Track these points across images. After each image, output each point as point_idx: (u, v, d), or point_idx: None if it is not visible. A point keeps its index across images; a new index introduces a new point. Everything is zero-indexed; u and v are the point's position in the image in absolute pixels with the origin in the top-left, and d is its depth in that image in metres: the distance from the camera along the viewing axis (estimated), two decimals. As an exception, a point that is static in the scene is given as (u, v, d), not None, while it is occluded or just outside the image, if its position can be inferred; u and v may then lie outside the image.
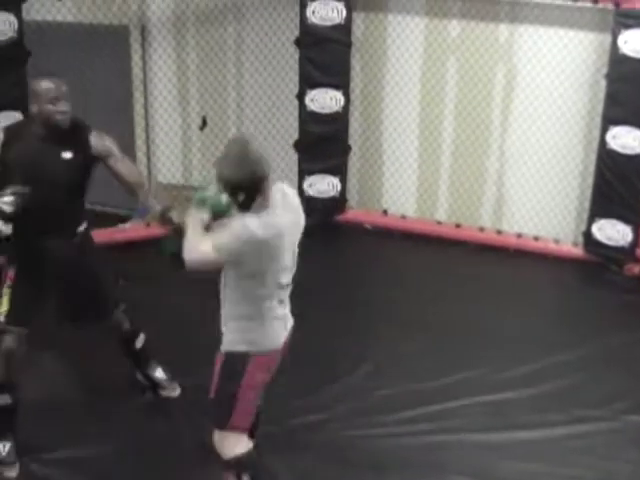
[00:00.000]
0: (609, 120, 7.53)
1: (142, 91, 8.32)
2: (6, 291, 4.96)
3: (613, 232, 7.82)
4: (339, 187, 8.62)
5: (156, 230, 6.49)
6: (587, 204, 7.96)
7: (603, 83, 7.54)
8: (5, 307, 4.95)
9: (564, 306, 7.41)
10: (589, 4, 7.40)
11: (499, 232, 8.41)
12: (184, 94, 8.47)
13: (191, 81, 8.44)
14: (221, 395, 4.21)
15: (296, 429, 5.43)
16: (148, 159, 8.51)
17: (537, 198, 8.25)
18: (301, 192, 8.53)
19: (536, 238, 8.26)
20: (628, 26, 7.20)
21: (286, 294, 4.26)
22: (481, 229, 8.44)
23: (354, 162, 8.71)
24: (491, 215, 8.48)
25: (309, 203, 8.22)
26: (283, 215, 4.08)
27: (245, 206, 4.02)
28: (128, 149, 8.05)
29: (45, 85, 4.75)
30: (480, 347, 6.50)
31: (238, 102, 8.58)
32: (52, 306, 5.18)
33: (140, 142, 8.46)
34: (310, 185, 8.62)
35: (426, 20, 8.10)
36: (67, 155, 4.82)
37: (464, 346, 6.45)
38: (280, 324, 4.27)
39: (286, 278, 4.19)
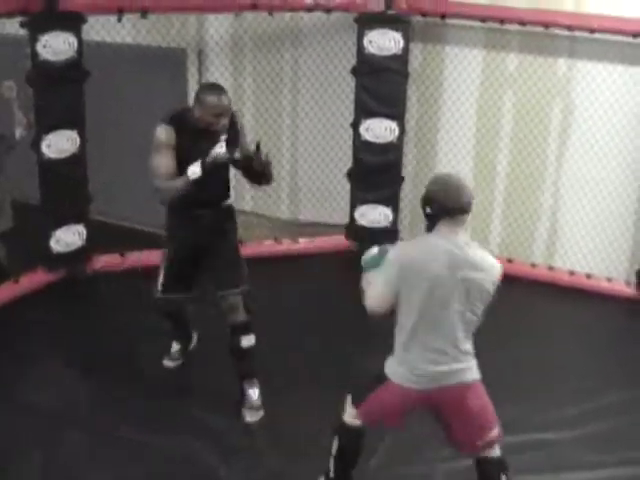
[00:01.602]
0: None
1: None
2: (164, 265, 5.77)
3: None
4: (391, 217, 8.55)
5: None
6: None
7: None
8: (161, 280, 5.78)
9: (615, 346, 7.23)
10: None
11: (551, 268, 8.31)
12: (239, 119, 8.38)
13: (247, 106, 8.49)
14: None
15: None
16: None
17: (591, 235, 8.17)
18: (352, 221, 8.59)
19: (588, 276, 8.15)
20: (688, 63, 7.08)
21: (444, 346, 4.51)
22: (533, 265, 8.34)
23: (406, 193, 8.64)
24: (543, 251, 8.39)
25: (360, 233, 8.49)
26: (438, 255, 4.33)
27: (428, 226, 4.44)
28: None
29: (212, 100, 5.29)
30: (529, 385, 6.41)
31: (293, 129, 8.63)
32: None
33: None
34: (362, 215, 8.57)
35: (484, 52, 8.07)
36: (223, 137, 5.29)
37: (513, 383, 6.34)
38: None
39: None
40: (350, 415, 4.68)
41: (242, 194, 8.64)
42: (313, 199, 8.81)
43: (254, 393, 5.82)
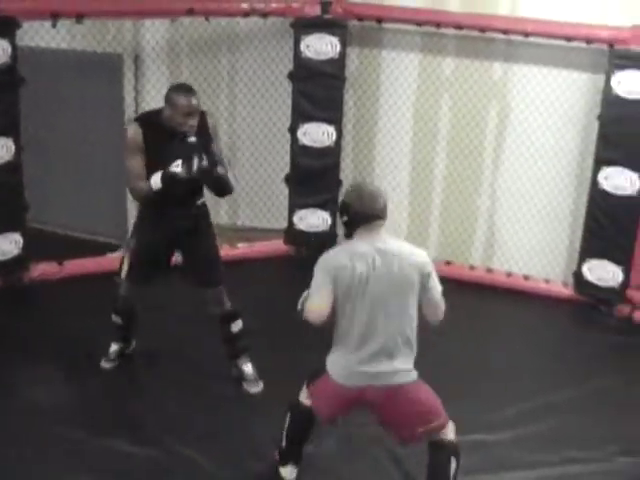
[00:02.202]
0: (601, 161, 7.51)
1: None
2: (128, 256, 5.89)
3: (604, 272, 7.75)
4: (329, 221, 8.55)
5: None
6: (578, 244, 7.92)
7: (596, 124, 7.52)
8: (125, 268, 5.90)
9: (553, 347, 7.27)
10: (583, 45, 7.39)
11: (489, 270, 8.36)
12: (176, 125, 8.36)
13: None
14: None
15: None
16: None
17: (528, 237, 8.22)
18: (291, 226, 8.57)
19: (526, 277, 8.19)
20: (622, 67, 7.21)
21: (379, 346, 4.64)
22: (471, 267, 8.39)
23: None
24: (481, 253, 8.44)
25: (299, 237, 8.59)
26: (363, 257, 4.50)
27: (347, 233, 4.64)
28: (119, 181, 8.04)
29: (183, 101, 5.38)
30: (467, 385, 6.39)
31: (230, 134, 8.52)
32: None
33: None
34: (300, 219, 8.57)
35: (420, 57, 8.08)
36: (192, 139, 5.41)
37: (450, 384, 6.10)
38: None
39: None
40: (304, 395, 4.88)
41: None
42: (252, 204, 8.73)
43: (249, 367, 6.17)
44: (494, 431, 5.83)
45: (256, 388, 6.14)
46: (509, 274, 8.26)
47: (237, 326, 6.11)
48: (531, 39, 7.53)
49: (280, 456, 5.08)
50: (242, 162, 8.54)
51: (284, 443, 5.02)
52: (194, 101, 5.42)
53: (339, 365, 4.63)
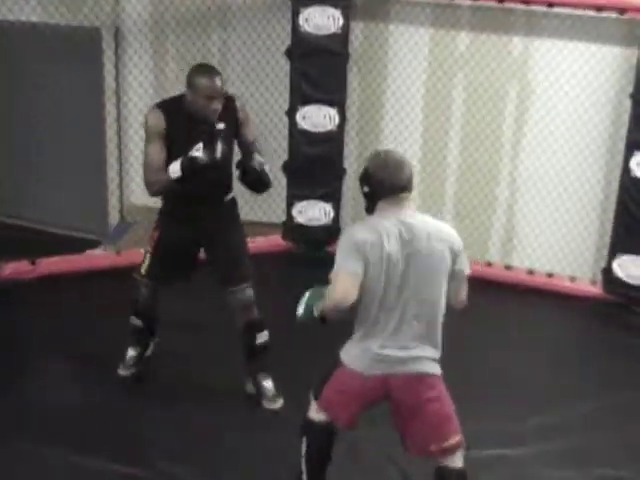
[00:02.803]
0: (634, 145, 7.28)
1: (115, 103, 8.05)
2: (149, 250, 5.68)
3: (636, 269, 7.54)
4: (332, 214, 8.34)
5: (128, 258, 7.11)
6: (607, 238, 7.70)
7: (628, 103, 7.30)
8: (147, 263, 5.67)
9: (580, 351, 7.08)
10: (614, 15, 7.17)
11: (508, 268, 8.12)
12: (161, 107, 8.16)
13: (169, 93, 7.77)
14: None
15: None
16: (121, 178, 8.24)
17: (551, 230, 7.99)
18: (289, 219, 8.43)
19: (550, 275, 7.96)
20: (659, 39, 7.09)
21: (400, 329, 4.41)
22: (488, 264, 8.13)
23: (349, 187, 8.35)
24: (500, 249, 8.23)
25: (298, 232, 8.43)
26: (387, 234, 4.24)
27: (368, 206, 4.39)
28: (99, 167, 7.40)
29: (205, 82, 5.18)
30: (484, 395, 6.10)
31: None
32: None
33: (112, 160, 8.19)
34: (300, 212, 8.35)
35: (431, 31, 7.89)
36: (221, 125, 5.21)
37: (466, 393, 5.93)
38: None
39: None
40: (314, 410, 4.61)
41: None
42: (246, 195, 8.14)
43: (269, 384, 5.91)
44: (515, 445, 5.57)
45: (276, 405, 5.91)
46: (530, 272, 8.03)
47: (262, 338, 5.85)
48: (555, 9, 7.33)
49: None
50: (236, 150, 8.07)
51: (305, 473, 4.69)
52: (218, 82, 5.23)
53: (359, 351, 4.39)
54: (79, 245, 7.86)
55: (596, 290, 7.77)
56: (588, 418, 5.90)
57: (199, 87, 5.18)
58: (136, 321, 5.97)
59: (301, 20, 7.73)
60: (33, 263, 7.43)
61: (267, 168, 5.42)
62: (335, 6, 7.69)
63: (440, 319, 4.40)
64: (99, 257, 7.68)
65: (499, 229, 8.14)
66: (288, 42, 7.89)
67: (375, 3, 7.92)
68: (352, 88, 8.15)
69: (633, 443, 5.65)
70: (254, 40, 8.09)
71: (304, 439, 4.63)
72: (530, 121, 7.76)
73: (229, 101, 5.41)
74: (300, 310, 4.44)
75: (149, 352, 6.18)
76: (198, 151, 5.07)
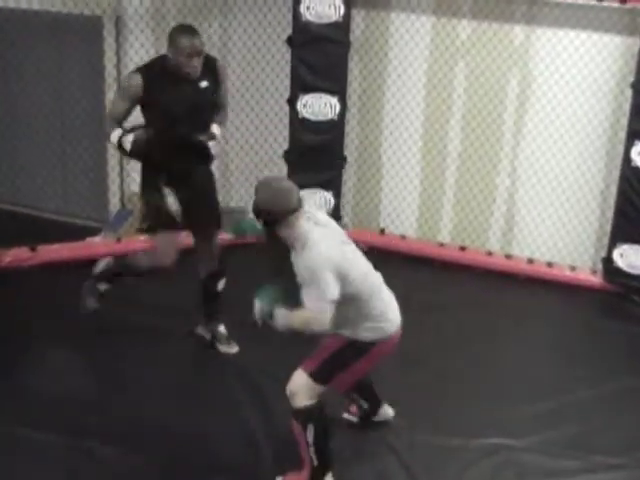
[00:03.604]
0: (635, 134, 7.21)
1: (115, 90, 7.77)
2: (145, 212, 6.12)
3: (636, 259, 7.50)
4: (332, 203, 8.27)
5: (128, 245, 7.41)
6: (608, 227, 7.66)
7: (629, 93, 7.22)
8: (146, 224, 6.08)
9: (579, 340, 7.00)
10: (616, 4, 7.06)
11: (508, 257, 8.05)
12: (163, 96, 8.06)
13: None
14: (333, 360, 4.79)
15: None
16: (121, 167, 8.13)
17: (552, 220, 7.94)
18: None
19: (550, 264, 7.91)
20: (660, 28, 6.98)
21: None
22: (488, 253, 8.08)
23: (350, 175, 8.38)
24: (500, 237, 8.17)
25: None
26: (330, 237, 4.69)
27: (269, 230, 4.68)
28: (99, 156, 7.35)
29: (184, 41, 5.47)
30: (483, 383, 6.14)
31: None
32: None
33: (112, 149, 7.85)
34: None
35: (433, 19, 7.80)
36: (204, 84, 5.67)
37: (464, 382, 6.16)
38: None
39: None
40: (305, 397, 4.75)
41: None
42: (246, 184, 8.40)
43: (222, 328, 6.34)
44: (512, 434, 5.56)
45: (232, 349, 6.32)
46: (531, 261, 7.98)
47: (222, 284, 6.24)
48: None
49: (316, 473, 4.86)
50: (236, 137, 8.28)
51: (316, 460, 4.83)
52: (197, 42, 5.52)
53: (372, 324, 4.73)
54: (79, 232, 7.82)
55: (596, 279, 7.72)
56: (588, 406, 5.91)
57: (180, 45, 5.46)
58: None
59: (302, 8, 7.66)
60: (33, 250, 7.37)
61: (212, 144, 5.73)
62: (336, -6, 7.70)
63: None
64: (99, 244, 7.62)
65: (499, 218, 8.08)
66: (289, 30, 7.82)
67: (377, -9, 7.86)
68: (353, 76, 8.09)
69: (632, 431, 5.64)
70: (255, 28, 7.98)
71: (310, 427, 4.72)
72: (531, 110, 7.69)
73: (211, 61, 5.76)
74: (258, 312, 4.63)
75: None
76: (127, 143, 5.46)
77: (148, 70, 5.64)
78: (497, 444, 5.40)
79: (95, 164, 7.95)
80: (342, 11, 7.68)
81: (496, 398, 5.92)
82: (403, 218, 8.28)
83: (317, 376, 4.74)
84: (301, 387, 4.72)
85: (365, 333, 4.72)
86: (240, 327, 6.05)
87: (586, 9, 7.23)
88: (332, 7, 7.66)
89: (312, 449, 4.76)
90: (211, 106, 5.80)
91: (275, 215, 4.57)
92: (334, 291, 4.47)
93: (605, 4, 7.07)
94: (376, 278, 4.82)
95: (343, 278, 4.53)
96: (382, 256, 7.56)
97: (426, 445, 5.33)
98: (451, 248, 8.10)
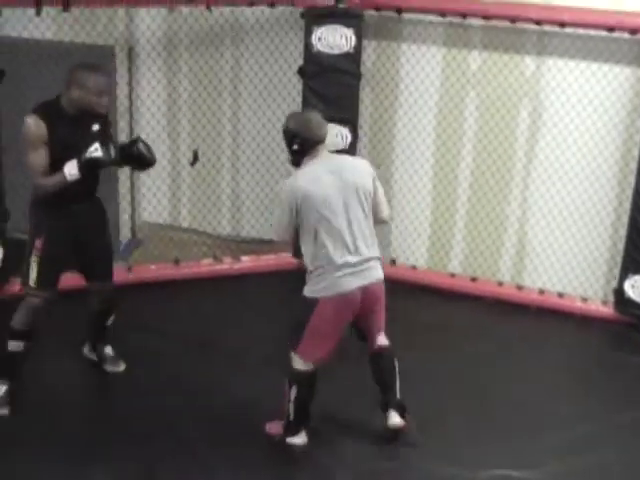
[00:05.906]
0: None
1: (128, 120, 8.00)
2: (35, 259, 5.70)
3: None
4: None
5: (139, 274, 7.53)
6: (619, 258, 7.59)
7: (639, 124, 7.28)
8: (34, 274, 5.70)
9: (590, 372, 6.94)
10: (627, 35, 7.08)
11: (519, 287, 8.01)
12: (174, 125, 8.22)
13: (182, 111, 8.18)
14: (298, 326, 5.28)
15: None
16: (132, 196, 8.20)
17: (563, 250, 7.87)
18: None
19: (561, 295, 7.86)
20: (671, 60, 6.90)
21: (354, 243, 5.18)
22: (499, 283, 8.04)
23: None
24: (511, 268, 8.10)
25: None
26: (321, 168, 5.17)
27: (295, 161, 5.30)
28: (110, 184, 7.42)
29: (95, 80, 5.38)
30: (494, 416, 6.09)
31: (234, 136, 8.32)
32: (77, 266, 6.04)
33: (124, 177, 8.14)
34: None
35: (444, 50, 7.81)
36: (96, 127, 5.58)
37: (476, 414, 6.10)
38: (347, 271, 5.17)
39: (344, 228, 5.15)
40: (299, 362, 5.30)
41: (178, 209, 8.43)
42: (257, 213, 8.46)
43: (110, 350, 6.42)
44: (524, 465, 5.50)
45: (119, 367, 6.40)
46: (542, 291, 7.92)
47: (111, 320, 6.29)
48: (567, 30, 7.25)
49: (288, 429, 5.42)
50: (247, 167, 8.30)
51: (292, 415, 5.37)
52: (107, 79, 5.56)
53: (333, 278, 5.10)
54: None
55: (607, 310, 7.65)
56: (600, 438, 5.84)
57: (90, 84, 5.35)
58: (16, 344, 5.79)
59: (314, 39, 7.66)
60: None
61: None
62: (348, 25, 7.61)
63: (373, 230, 5.26)
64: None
65: (510, 248, 8.02)
66: (300, 61, 7.83)
67: (388, 22, 7.84)
68: (364, 107, 8.08)
69: (641, 464, 5.62)
70: (267, 58, 8.02)
71: (294, 387, 5.29)
72: (542, 141, 7.66)
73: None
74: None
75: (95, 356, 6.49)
76: (97, 151, 5.30)
77: (46, 111, 5.48)
78: (508, 476, 5.36)
79: (106, 194, 7.60)
80: (353, 42, 7.67)
81: (507, 429, 5.89)
82: (414, 248, 8.25)
83: (294, 344, 5.27)
84: (295, 354, 5.31)
85: (312, 287, 5.16)
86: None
87: (597, 40, 7.21)
88: (343, 38, 7.64)
89: (292, 405, 5.32)
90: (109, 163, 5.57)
91: (305, 142, 5.14)
92: (283, 222, 5.12)
93: (616, 35, 7.05)
94: (344, 227, 5.10)
95: (303, 215, 5.04)
96: (393, 287, 7.49)
97: (436, 476, 5.32)
98: (462, 278, 8.07)
